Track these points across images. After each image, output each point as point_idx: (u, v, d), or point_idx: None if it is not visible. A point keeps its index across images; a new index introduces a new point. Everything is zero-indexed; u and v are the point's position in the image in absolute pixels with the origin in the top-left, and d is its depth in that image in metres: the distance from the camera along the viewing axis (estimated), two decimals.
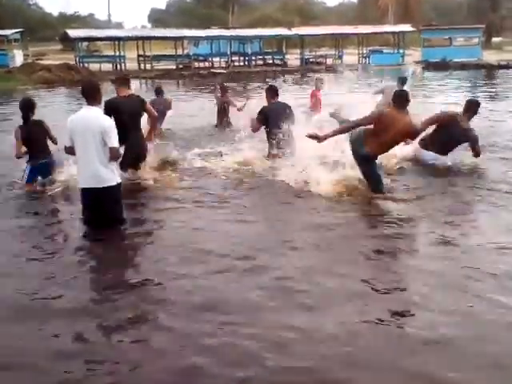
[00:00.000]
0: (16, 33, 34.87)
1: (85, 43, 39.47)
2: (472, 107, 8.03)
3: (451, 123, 7.83)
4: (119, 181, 5.43)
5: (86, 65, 32.58)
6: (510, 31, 57.54)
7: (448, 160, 7.96)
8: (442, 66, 31.96)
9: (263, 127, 8.35)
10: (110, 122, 5.31)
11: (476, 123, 10.58)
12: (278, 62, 37.66)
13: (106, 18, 75.14)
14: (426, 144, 8.04)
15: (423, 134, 7.79)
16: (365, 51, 38.53)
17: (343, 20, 52.60)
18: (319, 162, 7.29)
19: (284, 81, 27.12)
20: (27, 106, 7.18)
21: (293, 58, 38.68)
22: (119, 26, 66.76)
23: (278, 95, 8.51)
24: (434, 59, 33.67)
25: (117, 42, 34.56)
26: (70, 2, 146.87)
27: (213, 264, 4.67)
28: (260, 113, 8.29)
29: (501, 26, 54.09)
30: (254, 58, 37.22)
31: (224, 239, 5.25)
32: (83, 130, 5.19)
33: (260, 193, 6.94)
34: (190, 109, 14.79)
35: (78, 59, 33.33)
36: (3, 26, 37.42)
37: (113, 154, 5.24)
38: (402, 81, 11.84)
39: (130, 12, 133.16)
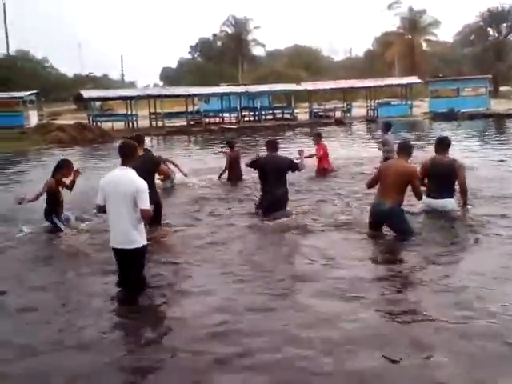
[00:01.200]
0: (31, 94, 35.85)
1: (98, 102, 40.52)
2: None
3: (434, 165, 7.91)
4: (145, 243, 5.40)
5: (98, 123, 33.31)
6: None
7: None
8: (450, 117, 32.11)
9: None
10: (143, 184, 5.22)
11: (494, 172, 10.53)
12: (287, 116, 38.20)
13: (120, 78, 77.69)
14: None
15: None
16: (373, 104, 39.00)
17: (350, 73, 53.61)
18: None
19: (294, 135, 27.57)
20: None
21: (302, 112, 39.24)
22: (132, 84, 68.94)
23: (275, 148, 8.61)
24: (441, 110, 33.91)
25: (128, 101, 35.42)
26: (85, 64, 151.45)
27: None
28: (252, 162, 8.51)
29: (508, 75, 54.76)
30: (263, 112, 37.83)
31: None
32: (116, 190, 5.20)
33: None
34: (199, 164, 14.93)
35: (91, 118, 34.17)
36: (19, 88, 38.65)
37: (145, 216, 5.24)
38: (386, 127, 11.98)
39: (142, 71, 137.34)
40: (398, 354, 4.03)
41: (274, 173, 8.29)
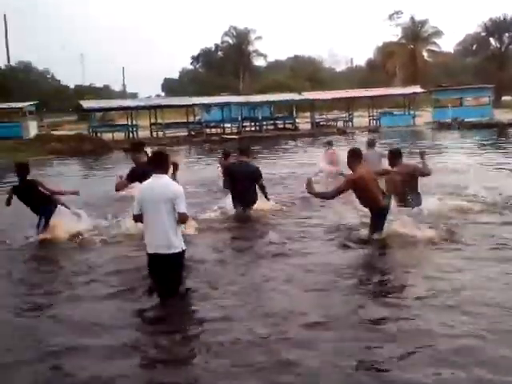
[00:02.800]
0: (31, 105, 35.66)
1: (99, 113, 40.37)
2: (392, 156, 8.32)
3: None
4: (184, 247, 5.54)
5: (98, 134, 33.12)
6: None
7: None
8: (453, 126, 31.82)
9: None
10: (180, 189, 5.44)
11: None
12: (288, 125, 37.93)
13: (122, 89, 77.70)
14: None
15: None
16: (375, 113, 38.72)
17: (352, 84, 53.40)
18: None
19: (296, 145, 27.29)
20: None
21: (303, 122, 39.00)
22: (134, 96, 68.44)
23: (245, 155, 9.06)
24: (444, 119, 33.59)
25: (129, 112, 35.20)
26: (86, 76, 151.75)
27: None
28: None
29: (510, 85, 54.55)
30: (265, 122, 37.54)
31: None
32: (154, 198, 5.36)
33: None
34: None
35: (91, 129, 33.96)
36: (20, 98, 38.41)
37: (182, 219, 5.40)
38: (370, 143, 11.77)
39: (144, 82, 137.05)
40: None
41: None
